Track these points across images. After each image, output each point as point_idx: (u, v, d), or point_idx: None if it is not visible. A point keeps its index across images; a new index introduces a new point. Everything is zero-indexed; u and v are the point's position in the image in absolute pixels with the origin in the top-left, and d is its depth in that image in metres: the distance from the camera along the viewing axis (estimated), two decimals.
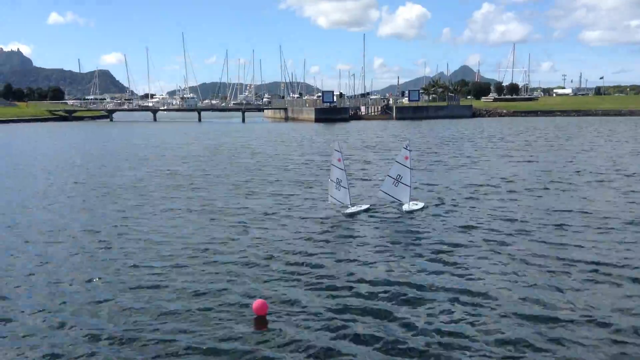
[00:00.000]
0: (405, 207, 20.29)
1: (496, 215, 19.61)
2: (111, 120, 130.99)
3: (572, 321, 10.38)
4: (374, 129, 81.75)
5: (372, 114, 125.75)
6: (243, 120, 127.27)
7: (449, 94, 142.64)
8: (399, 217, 19.56)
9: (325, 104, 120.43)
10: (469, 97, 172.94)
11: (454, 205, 21.35)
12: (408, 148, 20.16)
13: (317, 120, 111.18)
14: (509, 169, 32.26)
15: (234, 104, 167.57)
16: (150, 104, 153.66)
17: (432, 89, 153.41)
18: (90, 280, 12.91)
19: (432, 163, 35.92)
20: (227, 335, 9.93)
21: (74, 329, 10.27)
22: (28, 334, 10.11)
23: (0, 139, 69.66)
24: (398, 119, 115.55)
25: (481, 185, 26.32)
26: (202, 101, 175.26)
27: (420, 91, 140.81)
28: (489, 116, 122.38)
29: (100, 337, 9.91)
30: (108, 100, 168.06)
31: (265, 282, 12.72)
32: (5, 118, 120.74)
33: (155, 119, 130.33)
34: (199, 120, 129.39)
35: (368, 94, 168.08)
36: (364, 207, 20.70)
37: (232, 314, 10.84)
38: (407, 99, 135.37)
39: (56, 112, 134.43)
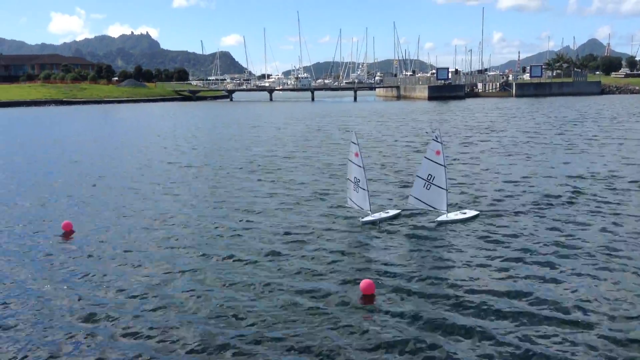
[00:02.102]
0: (442, 218, 15.78)
1: (580, 234, 14.42)
2: (231, 100, 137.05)
3: None
4: (489, 107, 78.59)
5: (490, 91, 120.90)
6: (355, 99, 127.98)
7: (575, 69, 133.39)
8: (423, 229, 15.22)
9: (439, 81, 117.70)
10: (598, 72, 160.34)
11: (521, 214, 16.50)
12: (438, 140, 15.54)
13: (430, 98, 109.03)
14: (621, 161, 26.59)
15: (346, 83, 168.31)
16: (267, 84, 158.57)
17: (557, 64, 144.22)
18: (181, 269, 12.73)
19: (529, 150, 31.20)
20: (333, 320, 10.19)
21: (164, 316, 10.10)
22: (130, 315, 10.41)
23: (133, 117, 75.62)
24: (518, 96, 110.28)
25: (574, 186, 20.52)
26: (316, 81, 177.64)
27: (543, 67, 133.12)
28: (619, 93, 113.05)
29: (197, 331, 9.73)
30: (228, 80, 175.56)
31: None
32: (137, 97, 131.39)
33: (271, 99, 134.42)
34: (312, 99, 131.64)
35: (486, 70, 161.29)
36: (391, 213, 16.58)
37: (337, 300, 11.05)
38: (528, 75, 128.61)
39: (181, 92, 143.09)
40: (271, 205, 18.68)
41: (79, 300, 10.95)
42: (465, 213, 16.30)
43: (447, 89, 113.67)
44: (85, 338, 9.32)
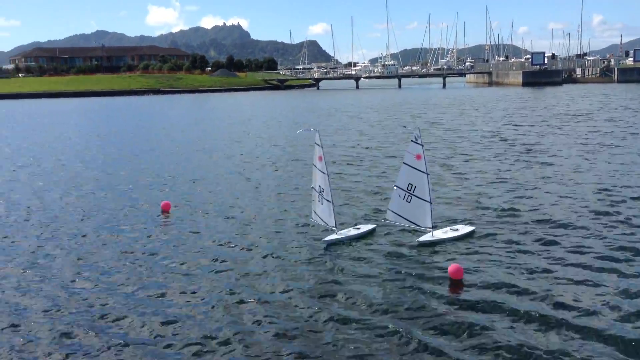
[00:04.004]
0: (427, 237, 12.87)
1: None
2: (318, 88, 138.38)
3: None
4: (586, 93, 74.28)
5: (589, 76, 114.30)
6: (443, 86, 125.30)
7: None
8: (398, 251, 12.48)
9: (534, 66, 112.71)
10: None
11: (534, 232, 13.35)
12: (418, 141, 12.78)
13: (524, 84, 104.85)
14: None
15: (434, 69, 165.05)
16: (353, 72, 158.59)
17: None
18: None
19: (603, 145, 26.92)
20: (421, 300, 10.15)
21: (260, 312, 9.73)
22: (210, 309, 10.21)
23: (228, 106, 78.34)
24: (620, 82, 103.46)
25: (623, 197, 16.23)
26: (403, 68, 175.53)
27: None
28: None
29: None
30: (315, 69, 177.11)
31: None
32: (229, 87, 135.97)
33: (357, 87, 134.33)
34: (399, 86, 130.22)
35: (585, 54, 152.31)
36: (363, 229, 13.82)
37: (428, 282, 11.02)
38: (632, 59, 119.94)
39: (270, 81, 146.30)
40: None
41: (169, 273, 11.61)
42: (456, 230, 13.37)
43: (543, 75, 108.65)
44: (183, 307, 9.90)
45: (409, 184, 12.94)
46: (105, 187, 21.17)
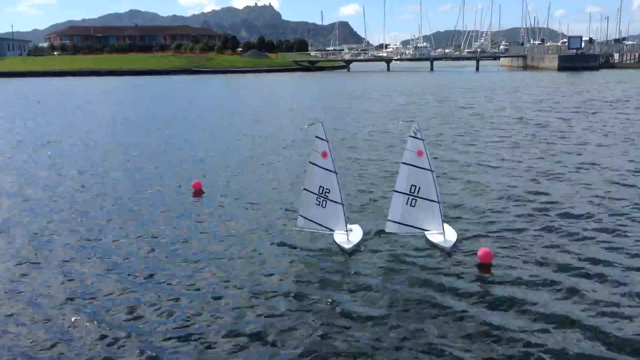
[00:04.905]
0: (440, 242, 11.39)
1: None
2: (348, 70, 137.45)
3: None
4: (621, 79, 72.22)
5: (628, 62, 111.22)
6: (477, 69, 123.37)
7: None
8: (405, 254, 11.19)
9: (571, 50, 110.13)
10: None
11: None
12: (418, 135, 11.32)
13: (560, 68, 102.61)
14: None
15: (467, 52, 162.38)
16: (384, 54, 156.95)
17: None
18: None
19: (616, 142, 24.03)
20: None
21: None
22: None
23: (261, 87, 78.70)
24: None
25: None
26: (435, 50, 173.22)
27: None
28: None
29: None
30: (346, 51, 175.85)
31: None
32: (259, 68, 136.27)
33: (388, 69, 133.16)
34: (431, 69, 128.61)
35: (624, 39, 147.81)
36: (355, 229, 12.14)
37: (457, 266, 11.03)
38: None
39: (301, 63, 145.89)
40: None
41: (199, 254, 11.78)
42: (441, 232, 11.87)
43: (579, 59, 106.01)
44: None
45: (412, 185, 11.41)
46: (134, 167, 21.65)
